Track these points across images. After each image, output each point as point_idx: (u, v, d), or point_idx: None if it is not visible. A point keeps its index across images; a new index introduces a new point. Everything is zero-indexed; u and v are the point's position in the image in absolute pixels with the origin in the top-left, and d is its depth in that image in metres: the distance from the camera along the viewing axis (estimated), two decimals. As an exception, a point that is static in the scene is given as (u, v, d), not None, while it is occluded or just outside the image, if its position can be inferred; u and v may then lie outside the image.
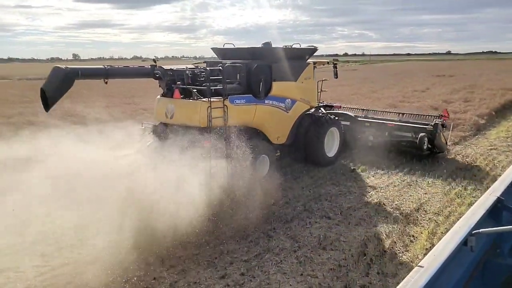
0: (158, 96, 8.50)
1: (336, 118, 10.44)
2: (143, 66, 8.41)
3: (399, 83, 31.18)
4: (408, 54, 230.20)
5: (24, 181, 6.72)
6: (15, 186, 6.75)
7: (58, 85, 6.74)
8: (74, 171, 6.89)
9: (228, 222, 6.33)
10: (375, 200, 7.74)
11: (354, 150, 10.75)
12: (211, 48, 9.78)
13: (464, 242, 2.06)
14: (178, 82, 7.96)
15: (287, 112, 9.25)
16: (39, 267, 5.36)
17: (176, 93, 7.89)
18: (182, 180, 6.16)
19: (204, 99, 7.54)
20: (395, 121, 10.88)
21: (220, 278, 5.17)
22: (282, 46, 9.55)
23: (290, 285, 5.05)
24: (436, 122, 10.21)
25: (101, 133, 8.88)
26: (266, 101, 8.68)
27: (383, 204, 7.56)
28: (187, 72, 8.03)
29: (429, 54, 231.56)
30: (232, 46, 9.44)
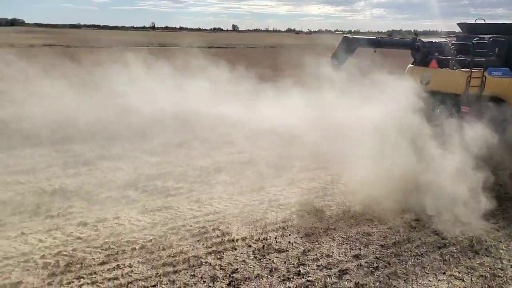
0: (410, 65, 9.52)
1: None
2: (403, 38, 9.83)
3: None
4: None
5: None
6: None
7: (346, 51, 8.45)
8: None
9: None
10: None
11: None
12: (457, 24, 10.37)
13: None
14: (436, 53, 9.00)
15: None
16: (194, 210, 6.15)
17: (434, 63, 8.88)
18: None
19: (463, 69, 8.38)
20: None
21: (353, 257, 5.10)
22: None
23: (430, 281, 4.67)
24: None
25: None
26: None
27: None
28: (449, 44, 9.19)
29: None
30: (483, 22, 9.85)
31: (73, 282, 4.36)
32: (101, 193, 6.61)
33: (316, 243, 5.40)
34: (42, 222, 5.61)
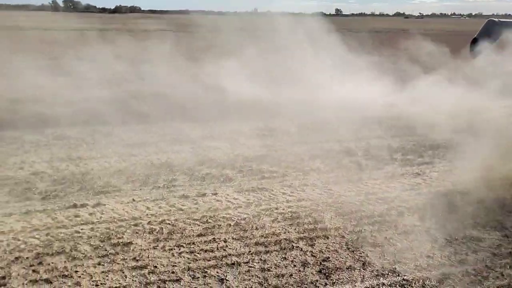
0: None
1: None
2: None
3: None
4: None
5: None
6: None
7: (489, 36, 8.35)
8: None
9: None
10: None
11: None
12: None
13: None
14: None
15: None
16: (287, 195, 6.17)
17: None
18: None
19: None
20: None
21: (458, 262, 4.64)
22: None
23: (554, 302, 4.04)
24: None
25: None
26: None
27: None
28: None
29: None
30: None
31: (174, 249, 4.71)
32: (202, 170, 7.01)
33: (416, 242, 5.02)
34: (149, 192, 6.16)
